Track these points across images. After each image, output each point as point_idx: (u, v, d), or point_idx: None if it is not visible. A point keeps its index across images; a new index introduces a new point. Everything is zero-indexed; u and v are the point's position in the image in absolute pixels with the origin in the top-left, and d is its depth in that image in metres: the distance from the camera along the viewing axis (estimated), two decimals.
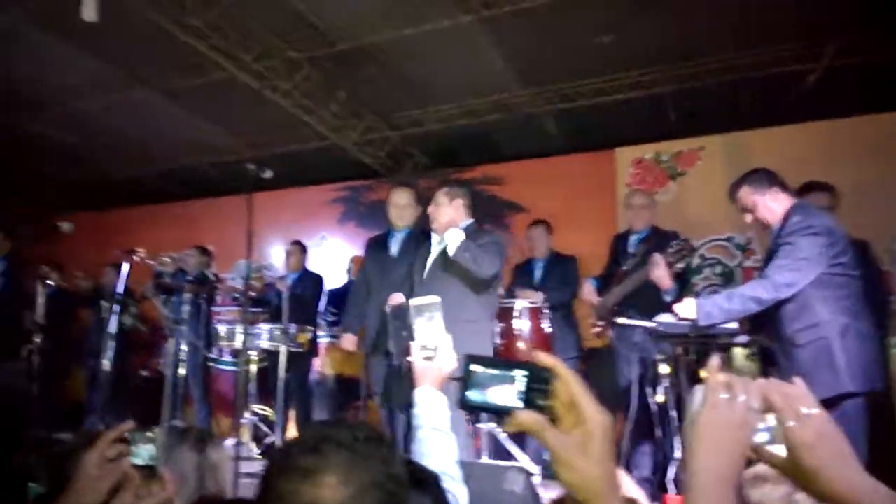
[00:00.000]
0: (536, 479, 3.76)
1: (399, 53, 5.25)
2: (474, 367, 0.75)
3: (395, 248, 4.16)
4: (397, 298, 3.70)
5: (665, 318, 3.20)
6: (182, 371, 5.13)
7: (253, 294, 5.55)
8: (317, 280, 5.71)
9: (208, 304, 5.61)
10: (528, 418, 0.73)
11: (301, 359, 5.26)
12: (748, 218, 3.11)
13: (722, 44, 5.00)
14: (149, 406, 5.23)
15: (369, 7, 4.72)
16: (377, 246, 4.25)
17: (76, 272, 6.10)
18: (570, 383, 0.75)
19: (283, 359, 4.82)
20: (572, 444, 0.72)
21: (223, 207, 6.95)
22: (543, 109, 5.92)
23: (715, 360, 0.83)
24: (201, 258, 5.96)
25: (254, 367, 5.02)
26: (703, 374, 0.81)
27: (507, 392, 0.74)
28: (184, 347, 5.09)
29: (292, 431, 5.33)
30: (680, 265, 3.49)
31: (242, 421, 4.86)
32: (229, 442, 3.75)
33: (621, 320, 3.56)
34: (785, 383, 0.81)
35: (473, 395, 0.75)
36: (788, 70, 5.07)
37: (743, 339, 3.19)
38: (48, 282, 5.15)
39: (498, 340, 4.05)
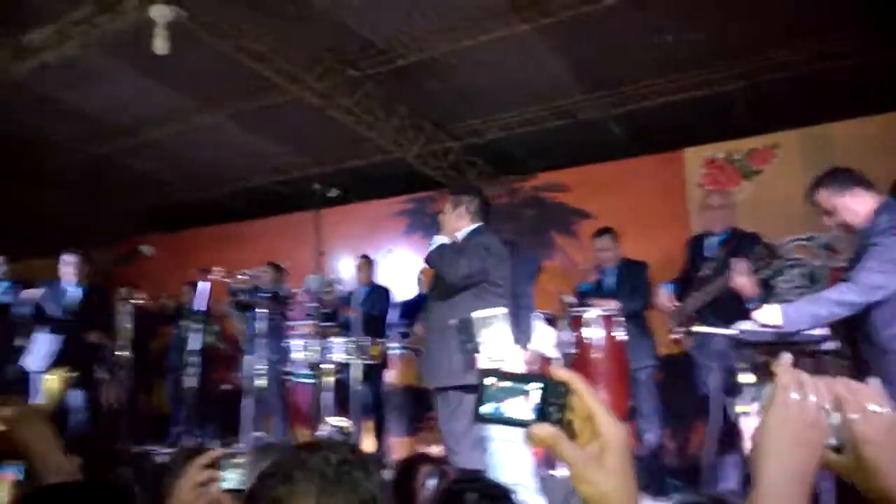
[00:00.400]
0: None
1: (458, 65, 5.28)
2: (488, 381, 0.75)
3: None
4: None
5: (747, 325, 3.07)
6: (260, 384, 5.27)
7: (325, 309, 5.65)
8: (385, 293, 5.77)
9: (283, 319, 5.75)
10: (545, 431, 0.72)
11: (375, 371, 5.33)
12: (829, 221, 2.94)
13: (791, 35, 4.80)
14: (230, 418, 5.40)
15: (426, 21, 4.77)
16: None
17: (160, 293, 6.38)
18: (586, 396, 0.74)
19: (356, 371, 4.88)
20: (589, 457, 0.72)
21: (293, 224, 7.12)
22: (606, 113, 5.82)
23: (787, 356, 0.79)
24: (275, 275, 6.11)
25: (329, 380, 5.11)
26: (773, 369, 0.79)
27: (522, 405, 0.74)
28: (261, 362, 5.23)
29: (369, 442, 5.40)
30: (765, 272, 3.33)
31: (319, 433, 4.95)
32: None
33: (701, 328, 3.43)
34: (856, 382, 0.79)
35: (488, 409, 0.74)
36: (865, 60, 4.81)
37: (832, 345, 3.02)
38: (132, 301, 5.39)
39: (571, 350, 3.98)
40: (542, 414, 0.73)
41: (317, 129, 6.30)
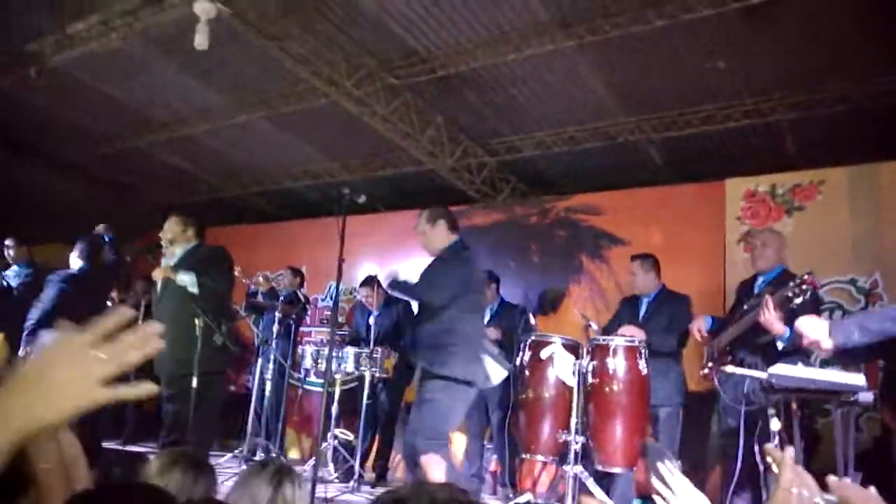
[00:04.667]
0: None
1: (499, 79, 5.19)
2: None
3: None
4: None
5: (780, 368, 2.89)
6: (268, 389, 5.19)
7: (340, 319, 5.56)
8: (405, 306, 5.64)
9: (297, 324, 5.68)
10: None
11: (389, 385, 5.21)
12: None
13: (844, 70, 4.61)
14: (234, 422, 5.32)
15: (471, 33, 4.69)
16: None
17: None
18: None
19: (367, 384, 4.78)
20: None
21: (318, 229, 7.07)
22: (647, 137, 5.66)
23: (790, 451, 0.87)
24: (293, 279, 6.07)
25: (338, 390, 5.01)
26: (770, 461, 0.90)
27: None
28: (271, 366, 5.16)
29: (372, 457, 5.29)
30: (798, 301, 3.12)
31: (324, 444, 4.84)
32: (308, 464, 3.71)
33: (730, 369, 3.24)
34: (856, 484, 0.87)
35: None
36: None
37: (868, 396, 2.81)
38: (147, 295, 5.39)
39: (591, 380, 3.81)
40: None
41: (351, 136, 6.27)
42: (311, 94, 5.59)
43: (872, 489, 0.87)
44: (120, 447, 5.47)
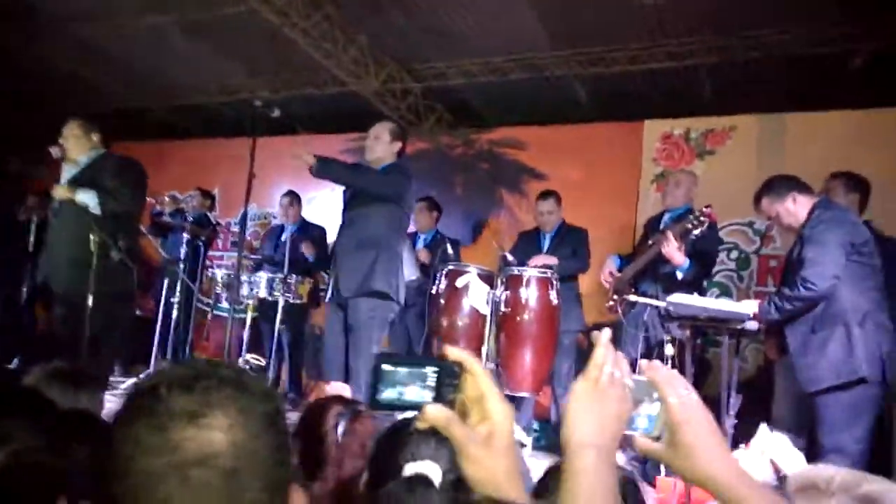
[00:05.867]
0: (527, 451, 3.67)
1: (428, 0, 4.98)
2: (386, 366, 0.75)
3: None
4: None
5: (677, 297, 3.05)
6: (175, 314, 5.00)
7: (254, 242, 5.40)
8: (319, 232, 5.53)
9: (206, 247, 5.47)
10: (436, 412, 0.73)
11: (297, 311, 5.13)
12: (777, 226, 3.21)
13: (767, 18, 4.70)
14: (139, 346, 5.12)
15: None
16: None
17: None
18: (478, 377, 0.75)
19: (280, 310, 4.69)
20: (478, 438, 0.74)
21: (233, 149, 6.74)
22: (574, 72, 5.64)
23: (606, 332, 0.83)
24: (203, 200, 5.82)
25: (249, 316, 4.90)
26: (595, 342, 0.84)
27: (419, 388, 0.75)
28: (178, 289, 4.96)
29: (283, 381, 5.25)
30: (696, 232, 3.32)
31: None
32: None
33: (632, 297, 3.39)
34: (667, 368, 0.86)
35: (386, 395, 0.74)
36: (833, 52, 4.77)
37: (754, 325, 3.03)
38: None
39: (503, 309, 3.89)
40: (437, 395, 0.75)
41: (271, 51, 5.93)
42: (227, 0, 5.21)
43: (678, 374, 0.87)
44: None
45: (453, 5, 5.00)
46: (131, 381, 4.92)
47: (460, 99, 6.50)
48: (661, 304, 3.10)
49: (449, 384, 0.75)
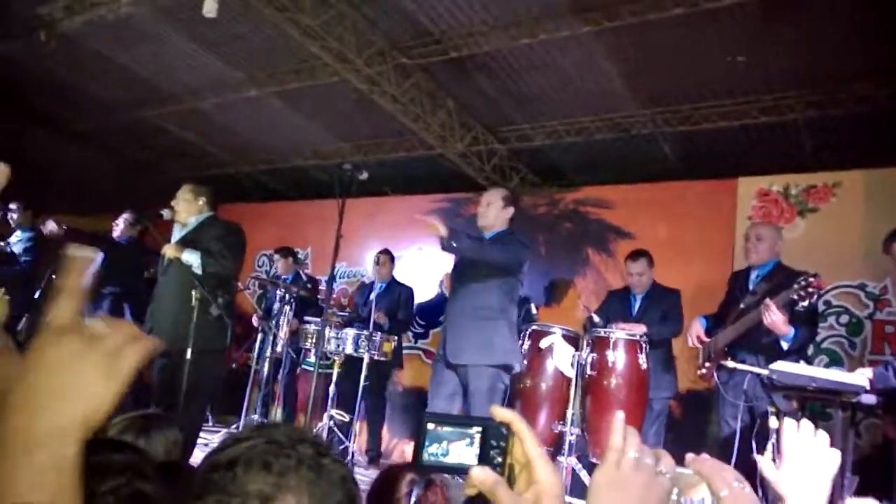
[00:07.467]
0: None
1: (512, 64, 5.09)
2: (431, 425, 0.73)
3: None
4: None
5: (781, 365, 2.83)
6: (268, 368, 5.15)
7: (343, 300, 5.53)
8: (408, 292, 5.61)
9: (302, 304, 5.64)
10: (483, 476, 0.70)
11: (381, 368, 5.16)
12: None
13: (867, 71, 4.48)
14: (231, 397, 5.29)
15: (485, 15, 4.60)
16: None
17: None
18: (526, 441, 0.73)
19: (365, 366, 4.74)
20: None
21: (325, 210, 7.02)
22: (661, 130, 5.55)
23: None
24: (286, 261, 6.03)
25: (336, 371, 4.97)
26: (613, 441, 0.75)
27: (465, 449, 0.73)
28: (276, 345, 5.12)
29: (362, 439, 5.25)
30: (804, 304, 3.06)
31: (319, 424, 4.81)
32: None
33: (730, 364, 3.18)
34: (714, 459, 0.84)
35: (431, 454, 0.73)
36: None
37: (870, 398, 2.76)
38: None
39: (589, 371, 3.76)
40: (484, 457, 0.72)
41: (361, 116, 6.20)
42: (321, 71, 5.52)
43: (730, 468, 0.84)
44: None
45: (536, 66, 5.07)
46: (224, 431, 5.07)
47: (545, 159, 6.52)
48: (764, 371, 2.88)
49: (496, 446, 0.72)
